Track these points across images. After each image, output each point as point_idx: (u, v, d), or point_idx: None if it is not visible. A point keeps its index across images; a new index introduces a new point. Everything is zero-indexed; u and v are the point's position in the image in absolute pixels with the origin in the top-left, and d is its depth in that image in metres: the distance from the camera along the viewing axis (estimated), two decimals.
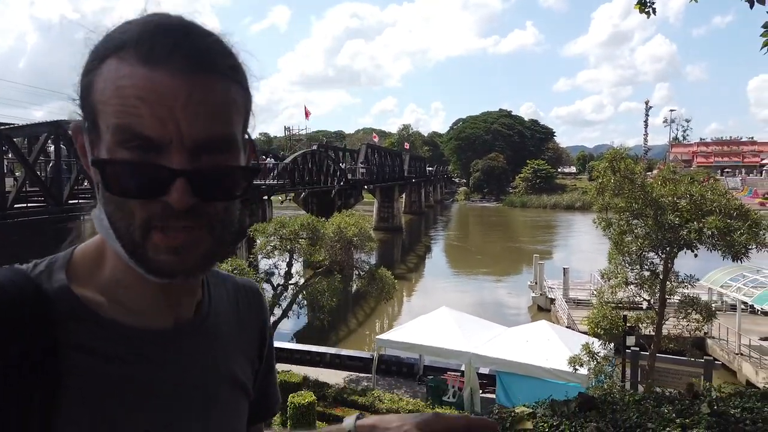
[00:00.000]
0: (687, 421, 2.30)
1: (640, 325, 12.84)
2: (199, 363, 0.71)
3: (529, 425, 2.40)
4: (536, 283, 25.42)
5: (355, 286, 24.25)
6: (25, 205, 14.97)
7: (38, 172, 15.15)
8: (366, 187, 45.06)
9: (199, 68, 0.58)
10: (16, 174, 16.43)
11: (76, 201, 15.76)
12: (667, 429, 2.27)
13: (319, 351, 16.81)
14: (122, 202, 0.60)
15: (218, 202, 0.61)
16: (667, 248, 12.00)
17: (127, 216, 0.60)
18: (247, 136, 0.66)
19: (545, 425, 2.38)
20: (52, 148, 15.70)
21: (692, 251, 12.03)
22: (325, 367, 15.88)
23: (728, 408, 2.49)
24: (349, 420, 0.77)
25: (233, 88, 0.62)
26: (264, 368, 0.86)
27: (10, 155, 14.31)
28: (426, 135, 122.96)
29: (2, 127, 14.12)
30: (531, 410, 2.48)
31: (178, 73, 0.57)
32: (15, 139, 14.13)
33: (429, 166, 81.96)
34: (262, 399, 0.86)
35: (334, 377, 14.74)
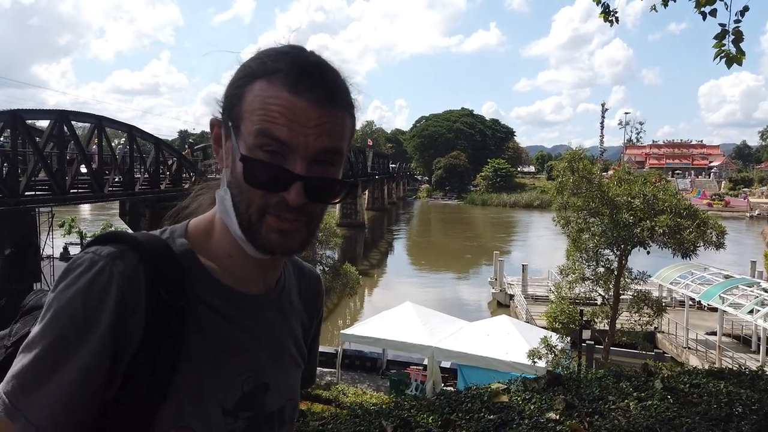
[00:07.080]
0: (643, 394, 2.57)
1: (596, 320, 13.35)
2: (279, 323, 0.90)
3: (504, 398, 2.62)
4: (496, 279, 25.95)
5: None
6: None
7: None
8: None
9: (328, 102, 0.76)
10: None
11: (33, 193, 15.30)
12: (626, 400, 2.52)
13: None
14: (248, 189, 0.76)
15: (318, 204, 0.78)
16: (622, 245, 12.52)
17: (248, 200, 0.76)
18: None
19: (519, 398, 2.61)
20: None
21: (645, 249, 12.60)
22: None
23: (678, 384, 2.78)
24: None
25: (347, 118, 0.79)
26: (313, 344, 1.02)
27: None
28: (389, 132, 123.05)
29: None
30: (506, 386, 2.70)
31: (314, 104, 0.74)
32: None
33: (392, 163, 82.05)
34: (306, 370, 0.99)
35: None
